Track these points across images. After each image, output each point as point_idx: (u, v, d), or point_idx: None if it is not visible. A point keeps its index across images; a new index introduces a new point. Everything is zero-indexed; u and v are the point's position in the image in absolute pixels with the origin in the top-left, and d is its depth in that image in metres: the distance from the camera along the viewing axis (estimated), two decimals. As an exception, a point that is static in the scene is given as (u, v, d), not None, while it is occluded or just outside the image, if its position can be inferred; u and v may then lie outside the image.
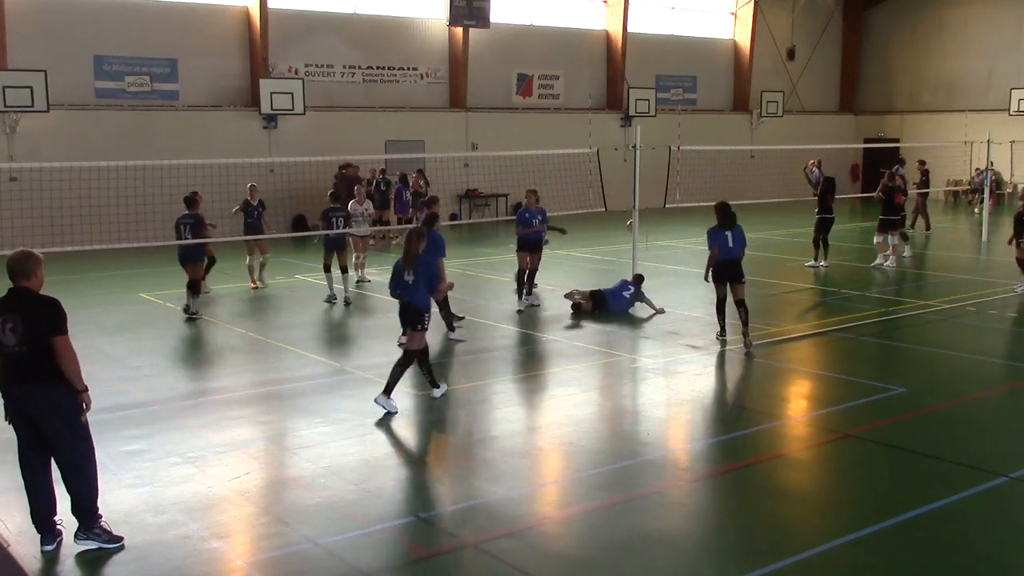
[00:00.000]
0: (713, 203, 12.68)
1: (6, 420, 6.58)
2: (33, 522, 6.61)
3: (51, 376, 6.35)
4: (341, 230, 15.53)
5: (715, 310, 12.55)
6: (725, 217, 12.23)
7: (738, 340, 12.25)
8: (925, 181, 25.23)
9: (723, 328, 12.53)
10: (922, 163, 25.81)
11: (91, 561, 6.42)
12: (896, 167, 21.11)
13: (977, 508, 7.19)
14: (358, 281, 16.94)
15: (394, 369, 9.67)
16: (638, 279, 14.78)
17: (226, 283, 17.02)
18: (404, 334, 10.10)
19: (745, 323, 12.16)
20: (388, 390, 9.60)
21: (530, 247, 14.77)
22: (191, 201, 14.66)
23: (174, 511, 7.11)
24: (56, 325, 6.34)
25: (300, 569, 6.23)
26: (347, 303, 15.29)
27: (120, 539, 6.56)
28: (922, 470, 8.02)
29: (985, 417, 9.66)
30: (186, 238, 14.41)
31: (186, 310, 14.41)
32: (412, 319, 9.76)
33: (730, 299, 12.28)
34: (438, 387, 10.07)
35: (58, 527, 6.64)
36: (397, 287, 9.81)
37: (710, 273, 12.30)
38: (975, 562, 6.36)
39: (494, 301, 15.49)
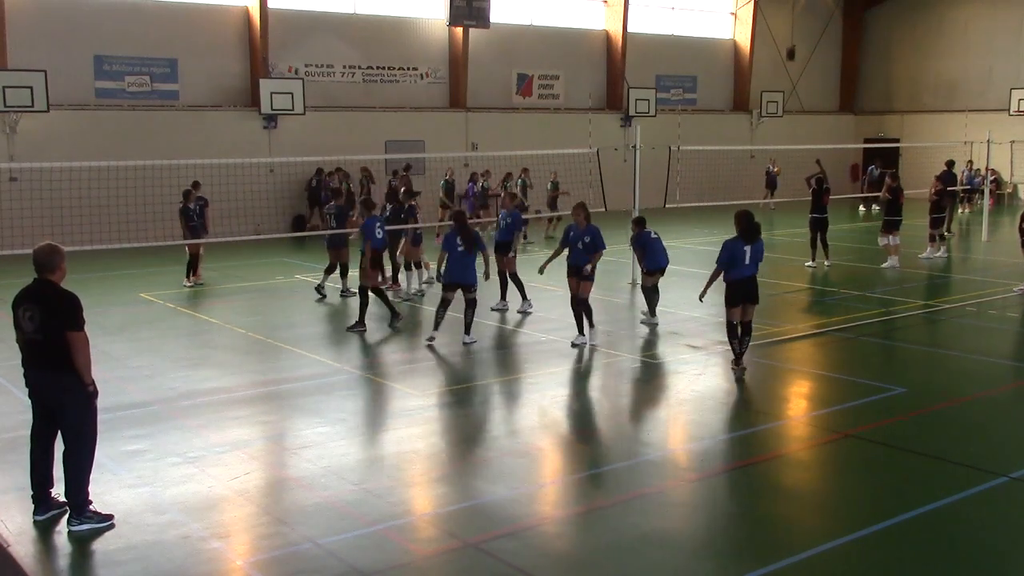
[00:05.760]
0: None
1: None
2: (32, 489, 6.93)
3: (63, 365, 6.70)
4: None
5: (728, 335, 10.81)
6: (748, 229, 10.46)
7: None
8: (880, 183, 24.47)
9: (740, 355, 10.77)
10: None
11: (90, 559, 6.44)
12: (871, 168, 20.98)
13: (977, 508, 7.19)
14: (425, 281, 17.00)
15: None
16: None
17: (226, 283, 17.01)
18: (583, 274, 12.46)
19: (745, 349, 10.82)
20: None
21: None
22: (337, 193, 17.42)
23: (174, 511, 7.11)
24: (73, 321, 6.73)
25: (300, 569, 6.23)
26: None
27: (110, 517, 6.86)
28: (922, 470, 8.02)
29: (985, 417, 9.66)
30: (332, 226, 16.26)
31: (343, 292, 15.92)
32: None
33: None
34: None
35: (54, 498, 6.95)
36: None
37: (710, 291, 10.91)
38: (975, 562, 6.36)
39: (492, 301, 15.44)
